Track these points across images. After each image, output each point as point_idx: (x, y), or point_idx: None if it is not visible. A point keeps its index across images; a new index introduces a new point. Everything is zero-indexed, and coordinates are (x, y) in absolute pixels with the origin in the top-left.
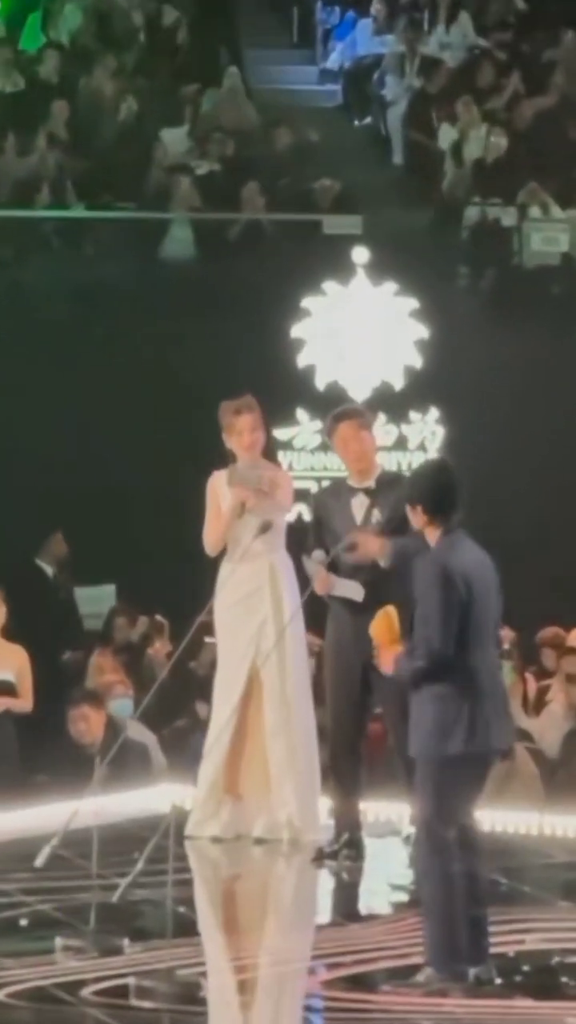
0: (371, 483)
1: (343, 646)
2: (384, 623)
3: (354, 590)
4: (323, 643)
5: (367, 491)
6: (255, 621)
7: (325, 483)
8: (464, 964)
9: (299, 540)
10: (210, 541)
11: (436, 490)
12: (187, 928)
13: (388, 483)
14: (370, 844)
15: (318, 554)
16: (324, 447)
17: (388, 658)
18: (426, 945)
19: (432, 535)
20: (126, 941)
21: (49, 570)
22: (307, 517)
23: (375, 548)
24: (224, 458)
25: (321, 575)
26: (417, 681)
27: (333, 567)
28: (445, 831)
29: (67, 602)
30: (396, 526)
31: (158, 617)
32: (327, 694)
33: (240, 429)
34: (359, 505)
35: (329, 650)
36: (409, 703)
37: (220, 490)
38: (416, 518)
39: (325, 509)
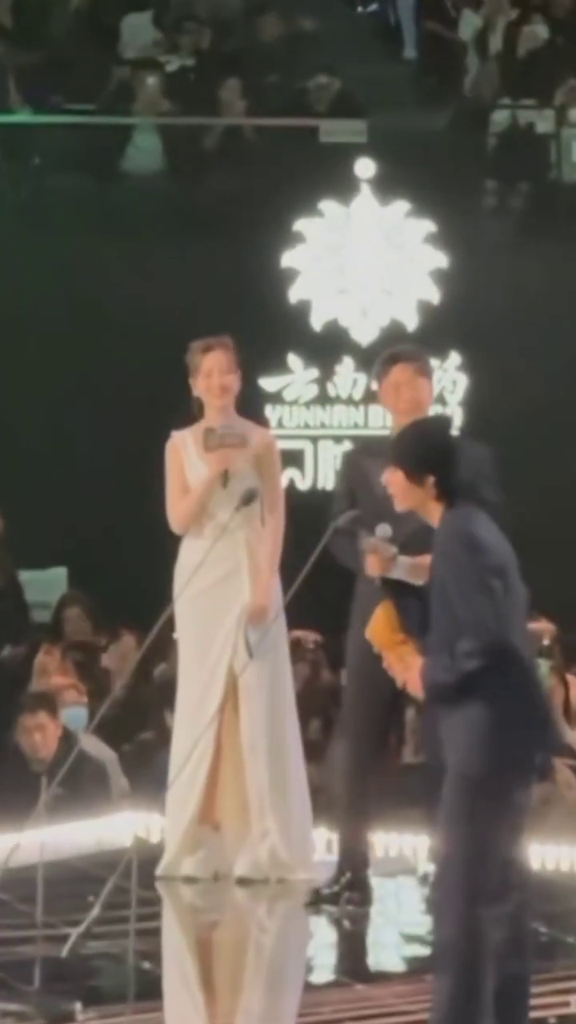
0: None
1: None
2: (384, 620)
3: (409, 571)
4: (348, 638)
5: None
6: (232, 613)
7: (324, 444)
8: None
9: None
10: (178, 517)
11: (439, 451)
12: (152, 988)
13: None
14: (378, 885)
15: (384, 528)
16: (321, 400)
17: (404, 666)
18: (435, 1008)
19: (434, 511)
20: (78, 1005)
21: None
22: (301, 484)
23: None
24: (191, 413)
25: (386, 553)
26: (470, 685)
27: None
28: (481, 870)
29: (9, 588)
30: None
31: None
32: (346, 700)
33: (208, 369)
34: None
35: (354, 648)
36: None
37: (182, 452)
38: (410, 493)
39: (360, 473)
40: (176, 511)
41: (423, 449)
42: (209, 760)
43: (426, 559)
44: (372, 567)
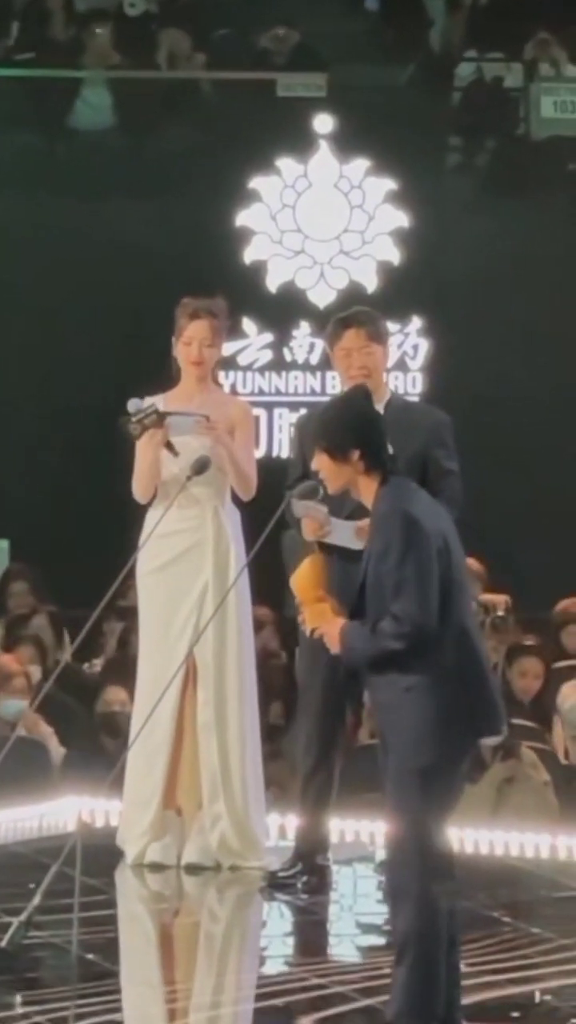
0: (378, 408)
1: None
2: (309, 573)
3: (351, 536)
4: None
5: None
6: (195, 588)
7: (279, 410)
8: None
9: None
10: (135, 490)
11: (359, 424)
12: (97, 982)
13: (402, 411)
14: (334, 871)
15: (308, 485)
16: (277, 365)
17: (322, 620)
18: (396, 998)
19: (365, 487)
20: (18, 998)
21: None
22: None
23: None
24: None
25: (319, 516)
26: (386, 665)
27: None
28: (434, 853)
29: None
30: (415, 468)
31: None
32: (300, 679)
33: (189, 338)
34: None
35: None
36: (373, 694)
37: None
38: (338, 473)
39: (311, 439)
40: (135, 480)
41: (343, 424)
42: (170, 743)
43: (365, 523)
44: (307, 531)
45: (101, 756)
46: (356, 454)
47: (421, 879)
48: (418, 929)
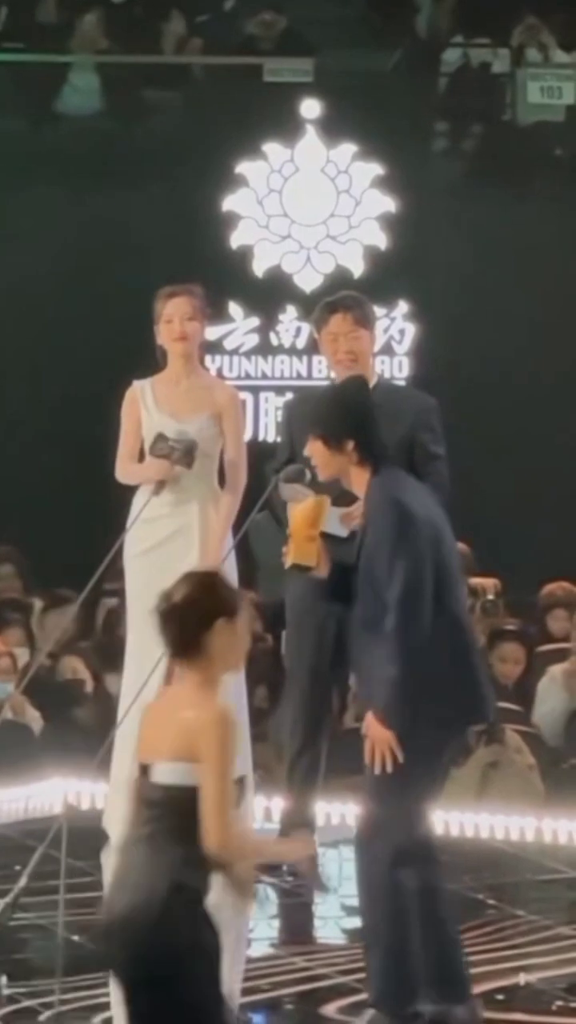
0: None
1: (311, 600)
2: (313, 510)
3: (336, 522)
4: (288, 599)
5: None
6: (181, 571)
7: (265, 395)
8: (419, 1003)
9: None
10: (120, 476)
11: (356, 415)
12: (82, 962)
13: (389, 395)
14: (320, 855)
15: (298, 469)
16: (263, 349)
17: (301, 553)
18: (371, 980)
19: (357, 476)
20: (3, 979)
21: None
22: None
23: None
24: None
25: (303, 499)
26: (389, 666)
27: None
28: (410, 838)
29: None
30: (401, 452)
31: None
32: (287, 662)
33: (169, 315)
34: None
35: (293, 605)
36: (360, 671)
37: (140, 403)
38: (331, 461)
39: (301, 422)
40: (121, 468)
41: (340, 414)
42: None
43: (351, 509)
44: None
45: (75, 729)
46: (351, 444)
47: (392, 863)
48: (390, 913)
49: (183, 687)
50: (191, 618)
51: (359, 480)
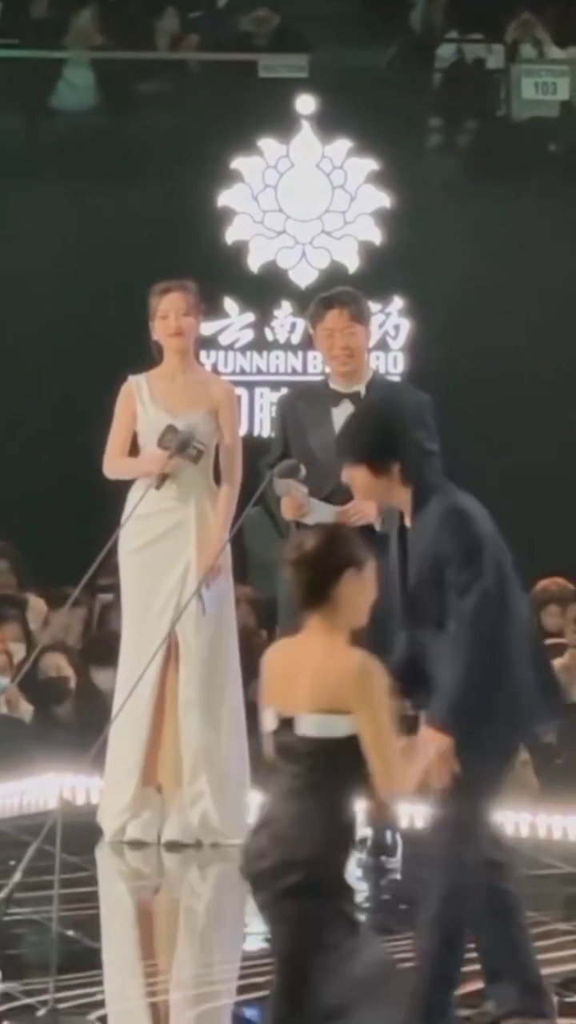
0: (360, 388)
1: None
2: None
3: (330, 518)
4: (278, 591)
5: (354, 398)
6: (176, 568)
7: (260, 390)
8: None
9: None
10: (109, 469)
11: (399, 437)
12: (77, 957)
13: (384, 391)
14: None
15: (292, 464)
16: (258, 345)
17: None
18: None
19: (401, 495)
20: None
21: None
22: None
23: (371, 509)
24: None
25: (299, 495)
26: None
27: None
28: (472, 844)
29: None
30: None
31: None
32: None
33: (165, 311)
34: (343, 415)
35: (285, 601)
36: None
37: (135, 398)
38: (375, 486)
39: (295, 418)
40: (110, 463)
41: (385, 440)
42: (150, 720)
43: (348, 507)
44: (287, 510)
45: (57, 726)
46: (396, 467)
47: (457, 868)
48: (446, 913)
49: (310, 636)
50: (322, 567)
51: (403, 498)
